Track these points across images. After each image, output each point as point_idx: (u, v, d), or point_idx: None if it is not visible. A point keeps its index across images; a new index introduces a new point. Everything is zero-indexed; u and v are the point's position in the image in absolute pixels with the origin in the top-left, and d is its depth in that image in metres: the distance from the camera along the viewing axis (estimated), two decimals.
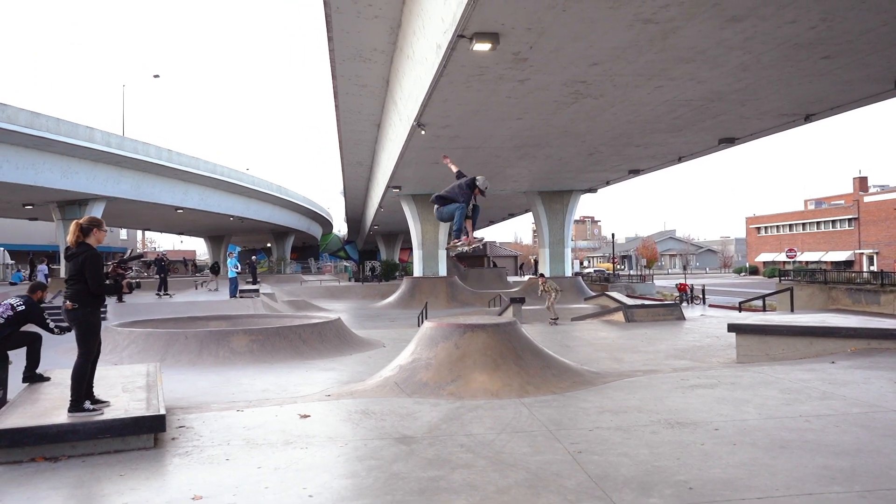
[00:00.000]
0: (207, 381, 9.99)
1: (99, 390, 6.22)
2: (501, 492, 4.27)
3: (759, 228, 78.05)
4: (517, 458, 4.93)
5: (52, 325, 7.56)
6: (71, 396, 5.66)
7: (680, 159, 25.29)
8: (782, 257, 61.91)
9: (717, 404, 6.57)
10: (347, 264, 67.92)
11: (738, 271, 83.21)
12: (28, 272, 35.47)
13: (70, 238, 5.87)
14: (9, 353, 7.65)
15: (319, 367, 11.39)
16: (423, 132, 17.70)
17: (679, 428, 5.71)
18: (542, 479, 4.48)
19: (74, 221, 5.99)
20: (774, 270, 56.82)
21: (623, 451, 5.05)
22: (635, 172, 28.83)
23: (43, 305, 7.99)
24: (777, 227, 75.13)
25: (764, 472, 4.50)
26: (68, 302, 5.83)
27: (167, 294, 26.22)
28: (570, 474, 4.57)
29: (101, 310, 6.06)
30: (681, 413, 6.24)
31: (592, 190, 34.85)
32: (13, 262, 44.32)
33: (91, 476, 4.78)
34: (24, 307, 7.52)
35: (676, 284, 37.18)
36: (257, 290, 26.21)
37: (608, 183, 32.69)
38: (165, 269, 27.93)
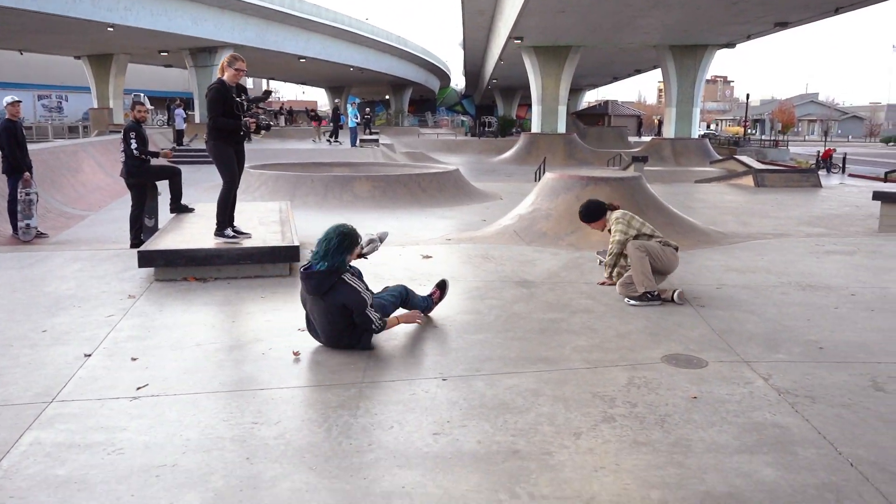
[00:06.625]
0: (333, 222, 10.45)
1: (238, 223, 6.65)
2: (622, 336, 4.31)
3: None
4: (638, 308, 4.93)
5: (133, 145, 7.57)
6: (216, 220, 6.13)
7: (837, 10, 22.53)
8: None
9: (855, 271, 6.22)
10: (464, 118, 67.34)
11: (886, 141, 76.03)
12: (165, 117, 37.56)
13: (218, 69, 6.10)
14: (157, 184, 8.24)
15: (438, 214, 11.63)
16: None
17: (811, 291, 5.48)
18: (664, 329, 4.47)
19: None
20: None
21: (749, 309, 4.93)
22: (782, 25, 26.10)
23: (179, 146, 8.29)
24: None
25: None
26: (205, 136, 6.15)
27: (337, 141, 27.95)
28: (693, 326, 4.53)
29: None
30: (813, 277, 5.97)
31: (730, 45, 32.06)
32: (153, 107, 46.88)
33: (236, 296, 5.22)
34: (125, 129, 7.76)
35: (818, 151, 34.44)
36: (377, 140, 26.69)
37: (749, 37, 29.91)
38: (339, 118, 29.86)
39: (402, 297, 4.46)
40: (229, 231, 6.15)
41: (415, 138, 42.55)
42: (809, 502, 2.48)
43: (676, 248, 5.25)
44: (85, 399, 3.34)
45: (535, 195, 8.40)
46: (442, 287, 4.79)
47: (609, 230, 5.37)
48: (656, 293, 5.01)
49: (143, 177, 7.91)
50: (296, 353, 3.96)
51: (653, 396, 3.40)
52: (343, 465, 2.71)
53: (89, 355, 3.93)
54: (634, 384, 3.55)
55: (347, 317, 3.93)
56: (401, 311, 4.39)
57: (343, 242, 3.97)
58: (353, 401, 3.34)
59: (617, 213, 5.34)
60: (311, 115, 40.60)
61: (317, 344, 4.11)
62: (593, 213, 5.44)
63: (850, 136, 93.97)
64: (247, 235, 6.24)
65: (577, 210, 7.63)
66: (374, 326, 3.94)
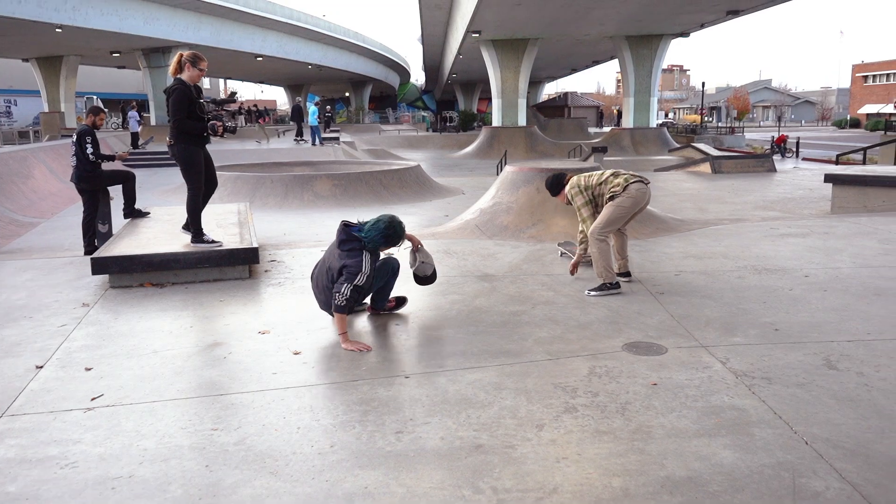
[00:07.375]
0: (294, 222, 10.36)
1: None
2: (583, 327, 4.34)
3: (865, 77, 72.09)
4: (598, 298, 4.97)
5: (89, 150, 7.41)
6: (191, 229, 5.98)
7: None
8: (889, 109, 57.39)
9: (809, 252, 6.36)
10: (425, 114, 67.23)
11: (838, 124, 78.03)
12: (120, 120, 36.73)
13: (171, 68, 5.88)
14: (109, 190, 8.04)
15: (400, 211, 11.54)
16: None
17: (767, 274, 5.59)
18: (624, 317, 4.52)
19: (178, 53, 5.95)
20: (879, 123, 52.83)
21: (707, 294, 5.01)
22: (734, 13, 26.61)
23: (134, 149, 8.12)
24: (887, 75, 69.13)
25: (856, 318, 4.39)
26: (168, 138, 5.99)
27: (304, 140, 27.45)
28: (653, 313, 4.59)
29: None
30: (769, 260, 6.09)
31: (685, 34, 32.59)
32: (106, 109, 45.83)
33: (194, 301, 5.12)
34: (79, 132, 7.59)
35: (773, 137, 35.14)
36: (338, 138, 26.52)
37: (703, 26, 30.43)
38: (301, 118, 29.21)
39: (394, 272, 4.59)
40: (208, 236, 6.01)
41: (376, 135, 42.35)
42: (766, 482, 2.52)
43: (637, 181, 5.28)
44: (36, 412, 3.25)
45: (496, 189, 8.42)
46: (399, 302, 4.76)
47: (569, 203, 5.50)
48: (615, 282, 5.09)
49: (94, 182, 7.71)
50: (296, 353, 3.99)
51: (614, 385, 3.43)
52: (304, 469, 2.68)
53: (41, 367, 3.82)
54: (596, 373, 3.58)
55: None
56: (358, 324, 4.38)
57: (388, 230, 4.17)
58: (315, 402, 3.31)
59: (567, 187, 5.43)
60: (254, 111, 40.04)
61: (277, 348, 4.06)
62: (553, 186, 5.58)
63: (802, 121, 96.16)
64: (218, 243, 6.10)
65: (536, 203, 7.70)
66: (336, 298, 4.02)
